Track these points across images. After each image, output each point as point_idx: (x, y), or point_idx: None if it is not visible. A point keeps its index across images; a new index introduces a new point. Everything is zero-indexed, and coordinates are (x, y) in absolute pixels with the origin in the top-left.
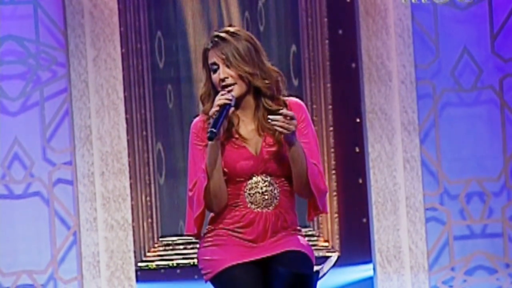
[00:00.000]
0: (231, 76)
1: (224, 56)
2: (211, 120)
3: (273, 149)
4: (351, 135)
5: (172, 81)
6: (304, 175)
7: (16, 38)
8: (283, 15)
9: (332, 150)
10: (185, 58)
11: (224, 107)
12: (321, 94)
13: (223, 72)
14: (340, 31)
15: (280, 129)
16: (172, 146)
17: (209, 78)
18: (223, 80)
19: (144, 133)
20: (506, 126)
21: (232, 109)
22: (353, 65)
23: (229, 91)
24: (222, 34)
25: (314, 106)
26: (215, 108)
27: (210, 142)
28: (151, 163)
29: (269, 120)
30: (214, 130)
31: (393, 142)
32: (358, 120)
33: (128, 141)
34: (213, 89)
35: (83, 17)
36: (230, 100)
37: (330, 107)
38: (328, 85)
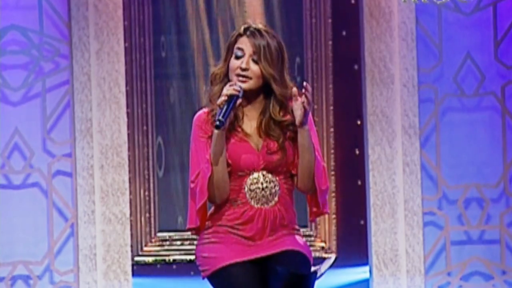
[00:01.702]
0: (252, 71)
1: (255, 50)
2: (218, 110)
3: (275, 148)
4: (351, 137)
5: (174, 76)
6: (312, 166)
7: (20, 29)
8: (286, 15)
9: (332, 151)
10: (188, 54)
11: (232, 97)
12: (322, 95)
13: (246, 63)
14: (344, 33)
15: (304, 99)
16: (172, 142)
17: (227, 61)
18: (242, 69)
19: (145, 127)
20: (506, 133)
21: (240, 100)
22: (356, 67)
23: (241, 81)
24: (261, 28)
25: (316, 107)
26: (223, 98)
27: (216, 131)
28: (150, 158)
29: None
30: (222, 119)
31: (393, 145)
32: (359, 122)
33: (128, 135)
34: (226, 74)
35: (88, 10)
36: (238, 91)
37: (331, 108)
38: (330, 86)
